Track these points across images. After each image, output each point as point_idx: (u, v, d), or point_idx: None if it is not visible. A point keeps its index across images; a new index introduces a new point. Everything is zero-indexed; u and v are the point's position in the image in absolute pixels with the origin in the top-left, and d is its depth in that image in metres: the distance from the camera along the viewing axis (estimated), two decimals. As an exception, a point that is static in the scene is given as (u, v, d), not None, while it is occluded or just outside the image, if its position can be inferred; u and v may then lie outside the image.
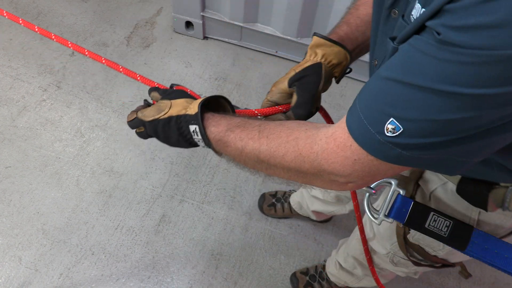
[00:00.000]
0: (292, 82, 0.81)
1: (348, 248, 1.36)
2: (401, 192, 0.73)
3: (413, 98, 0.47)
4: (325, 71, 0.81)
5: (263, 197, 1.85)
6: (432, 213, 0.74)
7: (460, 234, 0.72)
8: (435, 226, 0.73)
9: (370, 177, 0.58)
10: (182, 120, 0.72)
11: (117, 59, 2.28)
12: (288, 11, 2.07)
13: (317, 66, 0.81)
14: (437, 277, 1.76)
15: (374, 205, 0.99)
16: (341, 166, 0.57)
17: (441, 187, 0.83)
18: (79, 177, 1.86)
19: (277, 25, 2.21)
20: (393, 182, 0.73)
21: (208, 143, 0.71)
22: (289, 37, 2.22)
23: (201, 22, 2.33)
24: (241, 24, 2.25)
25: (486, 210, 0.75)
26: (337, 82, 0.89)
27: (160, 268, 1.67)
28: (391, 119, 0.50)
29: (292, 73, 0.82)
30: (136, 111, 0.78)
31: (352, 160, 0.56)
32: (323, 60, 0.82)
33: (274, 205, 1.81)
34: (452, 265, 0.97)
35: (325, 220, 1.82)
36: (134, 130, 0.80)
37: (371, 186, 0.73)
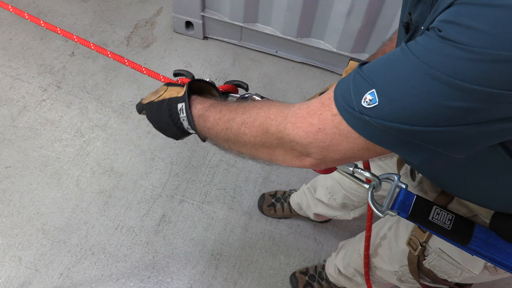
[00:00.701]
0: None
1: (349, 259, 1.35)
2: (404, 186, 0.73)
3: (402, 77, 0.47)
4: None
5: (262, 197, 1.85)
6: (435, 206, 0.74)
7: (463, 228, 0.73)
8: (438, 219, 0.73)
9: (329, 152, 0.57)
10: (173, 101, 0.76)
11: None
12: (288, 11, 2.07)
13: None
14: (437, 277, 1.75)
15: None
16: (303, 132, 0.57)
17: (471, 218, 0.79)
18: (79, 177, 1.86)
19: (277, 25, 2.21)
20: (396, 177, 0.73)
21: (191, 120, 0.73)
22: (289, 37, 2.22)
23: (201, 22, 2.33)
24: (241, 24, 2.25)
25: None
26: None
27: (160, 268, 1.67)
28: (373, 90, 0.50)
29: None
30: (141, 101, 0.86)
31: (316, 128, 0.56)
32: None
33: (273, 205, 1.81)
34: (461, 287, 0.95)
35: (325, 221, 1.82)
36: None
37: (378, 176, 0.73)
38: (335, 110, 0.54)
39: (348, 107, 0.52)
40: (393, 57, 0.50)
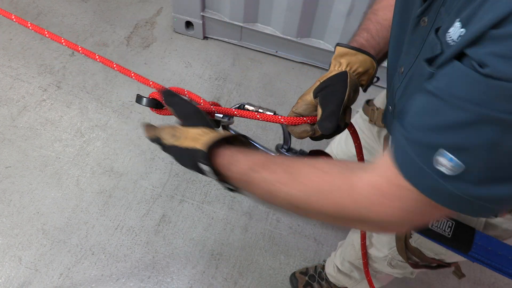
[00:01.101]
0: (317, 92, 0.75)
1: (344, 253, 1.36)
2: None
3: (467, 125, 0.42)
4: (351, 79, 0.75)
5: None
6: None
7: (463, 235, 0.72)
8: (438, 226, 0.72)
9: (422, 221, 0.56)
10: (194, 157, 0.65)
11: (117, 59, 2.28)
12: (288, 11, 2.07)
13: (342, 75, 0.75)
14: (437, 277, 1.76)
15: None
16: (391, 217, 0.53)
17: None
18: (79, 177, 1.86)
19: (277, 25, 2.21)
20: None
21: (223, 183, 0.66)
22: (289, 37, 2.22)
23: (201, 22, 2.33)
24: (241, 24, 2.25)
25: (496, 216, 0.73)
26: (364, 90, 0.85)
27: (160, 268, 1.67)
28: (440, 149, 0.45)
29: (317, 84, 0.77)
30: (154, 128, 0.73)
31: (403, 209, 0.52)
32: (348, 69, 0.77)
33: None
34: (448, 265, 0.97)
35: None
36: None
37: None
38: (409, 186, 0.50)
39: (423, 178, 0.48)
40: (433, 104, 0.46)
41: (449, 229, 0.72)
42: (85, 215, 1.76)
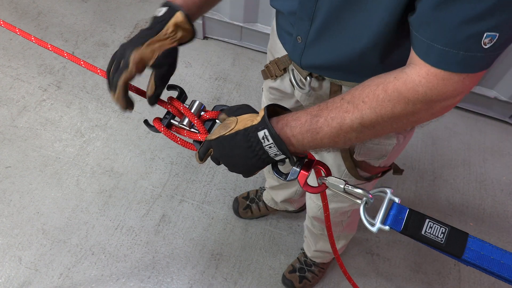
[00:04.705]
0: (157, 65, 0.78)
1: (308, 211, 1.38)
2: (396, 200, 0.73)
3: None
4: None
5: (236, 201, 1.83)
6: (427, 220, 0.74)
7: (456, 241, 0.72)
8: (431, 232, 0.73)
9: (476, 82, 0.65)
10: (250, 131, 0.69)
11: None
12: (288, 11, 2.07)
13: (175, 54, 0.79)
14: (437, 277, 1.76)
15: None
16: (453, 91, 0.63)
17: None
18: (79, 177, 1.87)
19: (277, 25, 2.21)
20: (388, 191, 0.73)
21: (280, 143, 0.68)
22: (289, 37, 2.22)
23: (201, 22, 2.33)
24: (241, 24, 2.25)
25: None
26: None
27: (160, 268, 1.67)
28: (485, 33, 0.56)
29: (153, 51, 0.77)
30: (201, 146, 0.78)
31: (461, 80, 0.62)
32: (177, 43, 0.80)
33: (249, 207, 1.81)
34: (390, 168, 1.07)
35: (302, 209, 1.81)
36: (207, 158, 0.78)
37: (370, 192, 0.73)
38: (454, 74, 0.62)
39: (472, 61, 0.60)
40: None
41: (442, 235, 0.72)
42: (85, 215, 1.77)
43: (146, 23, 0.77)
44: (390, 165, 1.07)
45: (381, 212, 0.72)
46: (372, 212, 0.70)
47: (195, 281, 1.65)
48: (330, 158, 1.04)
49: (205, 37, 2.44)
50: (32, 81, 2.15)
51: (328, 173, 0.76)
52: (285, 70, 1.01)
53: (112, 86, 0.78)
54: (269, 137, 0.68)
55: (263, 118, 0.69)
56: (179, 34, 0.79)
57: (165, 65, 0.79)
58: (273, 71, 1.04)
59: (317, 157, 0.78)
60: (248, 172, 0.75)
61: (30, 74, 2.18)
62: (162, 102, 0.83)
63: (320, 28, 0.79)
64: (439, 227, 0.73)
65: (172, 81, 0.84)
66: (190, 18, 0.80)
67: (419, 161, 2.09)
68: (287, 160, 0.73)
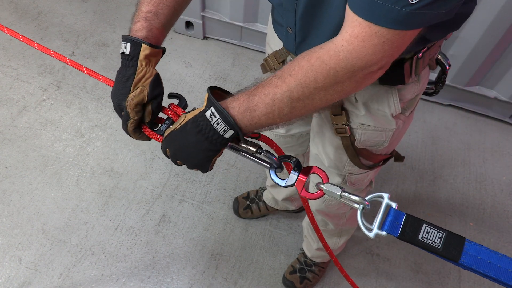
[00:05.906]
0: (151, 99, 0.81)
1: (312, 204, 1.37)
2: (394, 205, 0.73)
3: None
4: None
5: (236, 201, 1.83)
6: (424, 225, 0.74)
7: (453, 245, 0.72)
8: (428, 237, 0.73)
9: (397, 50, 0.65)
10: (198, 116, 0.73)
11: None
12: (288, 11, 2.07)
13: (159, 78, 0.83)
14: (437, 277, 1.76)
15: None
16: (373, 55, 0.63)
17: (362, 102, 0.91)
18: (79, 177, 1.87)
19: (277, 25, 2.21)
20: (385, 196, 0.72)
21: (226, 115, 0.70)
22: (289, 37, 2.22)
23: (201, 22, 2.33)
24: (241, 24, 2.25)
25: (404, 83, 0.85)
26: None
27: (160, 268, 1.67)
28: None
29: (142, 91, 0.80)
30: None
31: (381, 43, 0.62)
32: (154, 67, 0.83)
33: (249, 207, 1.81)
34: (391, 155, 1.08)
35: (302, 208, 1.81)
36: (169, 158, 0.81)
37: (366, 199, 0.73)
38: (379, 28, 0.61)
39: (397, 16, 0.60)
40: None
41: (439, 239, 0.73)
42: (85, 215, 1.77)
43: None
44: (391, 152, 1.08)
45: (378, 218, 0.72)
46: (371, 214, 0.70)
47: (195, 281, 1.65)
48: (332, 148, 1.03)
49: (205, 37, 2.44)
50: (32, 81, 2.15)
51: (326, 179, 0.76)
52: (283, 62, 1.02)
53: (128, 134, 0.85)
54: (216, 113, 0.71)
55: (208, 98, 0.72)
56: (153, 61, 0.83)
57: (158, 95, 0.82)
58: (272, 64, 1.05)
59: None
60: (203, 160, 0.76)
61: (30, 74, 2.18)
62: (163, 108, 0.86)
63: (303, 18, 0.81)
64: (436, 232, 0.73)
65: (172, 81, 0.85)
66: (157, 42, 0.84)
67: (419, 161, 2.09)
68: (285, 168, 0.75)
